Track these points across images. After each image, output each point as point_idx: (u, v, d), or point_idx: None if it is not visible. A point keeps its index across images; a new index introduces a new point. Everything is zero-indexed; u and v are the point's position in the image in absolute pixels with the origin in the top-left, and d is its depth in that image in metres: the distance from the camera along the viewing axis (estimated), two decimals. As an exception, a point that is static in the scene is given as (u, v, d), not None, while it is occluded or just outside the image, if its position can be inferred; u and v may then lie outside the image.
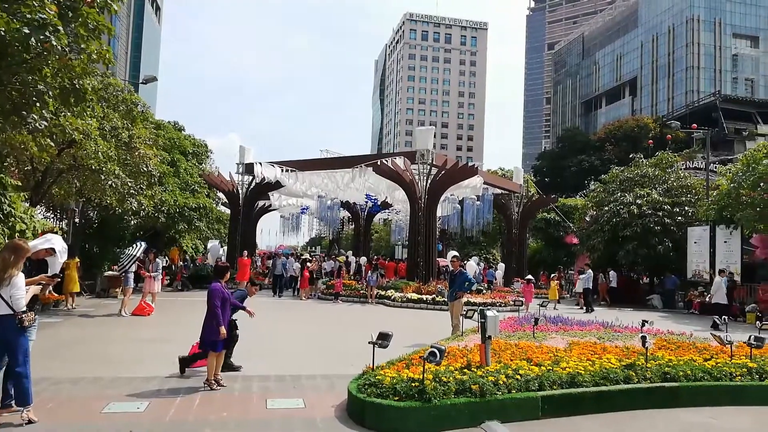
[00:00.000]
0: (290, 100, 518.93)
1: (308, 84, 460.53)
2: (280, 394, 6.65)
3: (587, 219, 27.52)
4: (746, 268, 21.33)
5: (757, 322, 14.20)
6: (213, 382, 6.77)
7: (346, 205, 31.25)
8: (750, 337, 8.00)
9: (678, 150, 41.72)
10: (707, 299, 20.20)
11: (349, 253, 33.74)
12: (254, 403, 6.29)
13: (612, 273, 21.88)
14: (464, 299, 11.92)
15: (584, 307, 19.94)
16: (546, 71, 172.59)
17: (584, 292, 20.62)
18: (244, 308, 7.46)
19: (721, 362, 7.45)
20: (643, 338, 7.27)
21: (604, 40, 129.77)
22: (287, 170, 25.29)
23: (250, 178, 26.25)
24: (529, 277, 20.60)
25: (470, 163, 26.14)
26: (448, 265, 10.83)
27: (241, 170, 26.72)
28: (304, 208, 32.31)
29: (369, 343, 6.46)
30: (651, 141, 55.78)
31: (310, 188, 26.29)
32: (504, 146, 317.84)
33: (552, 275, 22.65)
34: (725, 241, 21.73)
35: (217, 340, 6.72)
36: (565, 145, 76.01)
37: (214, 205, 27.82)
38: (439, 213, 25.74)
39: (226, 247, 28.54)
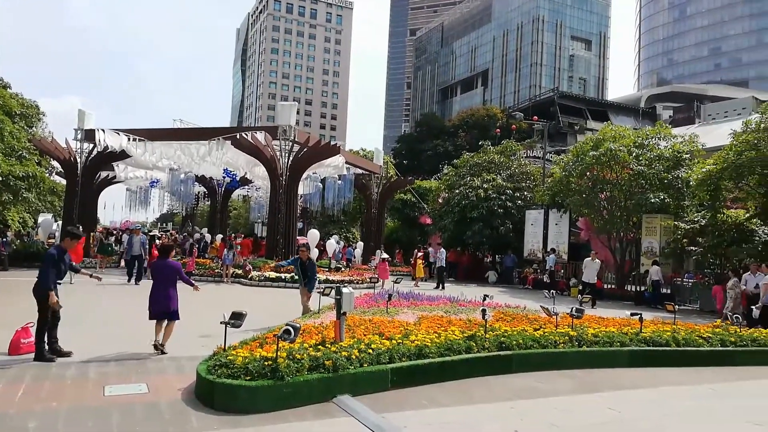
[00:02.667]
0: (141, 65, 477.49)
1: (163, 48, 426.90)
2: (121, 380, 6.19)
3: (440, 201, 29.09)
4: (572, 247, 24.10)
5: (579, 295, 16.10)
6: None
7: (201, 179, 29.73)
8: (572, 308, 9.08)
9: (521, 139, 45.49)
10: (544, 277, 22.51)
11: (204, 230, 32.27)
12: (90, 391, 5.78)
13: (442, 251, 22.93)
14: (320, 278, 11.97)
15: (438, 284, 20.96)
16: (408, 57, 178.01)
17: (438, 270, 21.76)
18: (191, 284, 8.11)
19: (548, 331, 8.34)
20: (483, 311, 7.90)
21: (462, 31, 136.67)
22: (135, 139, 23.25)
23: (91, 146, 23.76)
24: (385, 255, 21.27)
25: (333, 142, 26.17)
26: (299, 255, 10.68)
27: (80, 137, 23.92)
28: (153, 181, 30.09)
29: (221, 323, 6.25)
30: (498, 130, 60.17)
31: (162, 160, 24.50)
32: (366, 128, 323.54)
33: (419, 254, 23.60)
34: (556, 224, 24.32)
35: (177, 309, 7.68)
36: (422, 129, 79.27)
37: (47, 175, 24.85)
38: (300, 191, 25.53)
39: (61, 222, 25.70)
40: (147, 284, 8.95)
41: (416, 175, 43.52)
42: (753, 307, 12.53)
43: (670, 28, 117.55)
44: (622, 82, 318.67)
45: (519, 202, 26.21)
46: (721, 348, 8.91)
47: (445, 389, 6.46)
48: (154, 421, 4.97)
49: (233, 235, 28.37)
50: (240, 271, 19.06)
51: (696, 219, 18.68)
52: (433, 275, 23.44)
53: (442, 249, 22.63)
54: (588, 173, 20.83)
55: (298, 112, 26.30)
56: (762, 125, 16.25)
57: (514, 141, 32.09)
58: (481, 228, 25.30)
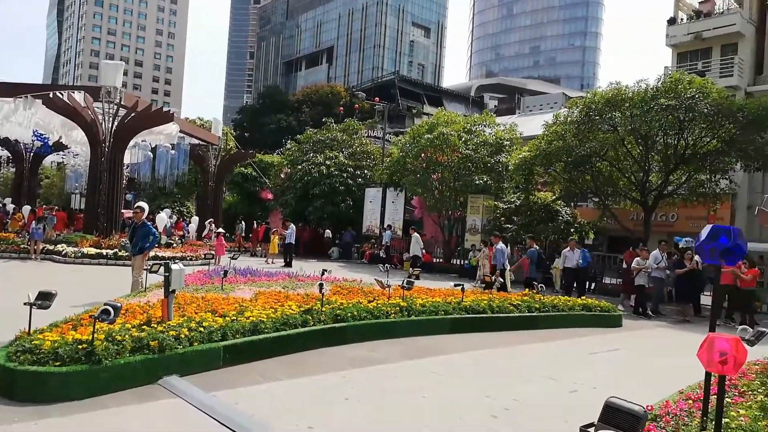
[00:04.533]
0: None
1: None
2: None
3: (282, 176, 28.73)
4: (407, 224, 25.44)
5: (410, 269, 17.08)
6: None
7: (4, 142, 25.79)
8: (403, 281, 9.61)
9: (363, 119, 46.45)
10: (380, 252, 23.43)
11: (8, 200, 28.19)
12: None
13: (291, 227, 22.89)
14: (151, 253, 11.21)
15: (285, 260, 20.63)
16: (251, 25, 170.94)
17: (286, 247, 21.43)
18: None
19: (381, 303, 8.74)
20: (320, 285, 8.02)
21: (307, 4, 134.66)
22: None
23: None
24: (221, 230, 20.49)
25: (166, 109, 24.30)
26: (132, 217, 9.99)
27: None
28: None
29: (25, 304, 5.54)
30: (342, 108, 60.87)
31: (-50, 117, 20.78)
32: (205, 96, 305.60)
33: (273, 230, 23.01)
34: (393, 202, 25.44)
35: None
36: (265, 102, 77.09)
37: None
38: (127, 160, 23.45)
39: None
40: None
41: (258, 149, 42.35)
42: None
43: (498, 24, 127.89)
44: (456, 70, 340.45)
45: (359, 180, 26.89)
46: (528, 314, 10.11)
47: (281, 363, 6.47)
48: (-65, 420, 4.27)
49: (45, 206, 25.19)
50: (53, 247, 17.02)
51: (512, 200, 20.81)
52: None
53: (291, 225, 22.30)
54: (423, 155, 22.05)
55: (125, 74, 23.89)
56: (568, 119, 18.50)
57: (357, 120, 32.73)
58: (323, 204, 25.56)
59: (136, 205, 10.37)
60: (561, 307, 10.74)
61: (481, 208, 21.73)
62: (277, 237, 22.51)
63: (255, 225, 25.63)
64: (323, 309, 7.75)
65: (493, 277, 13.33)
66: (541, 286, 11.48)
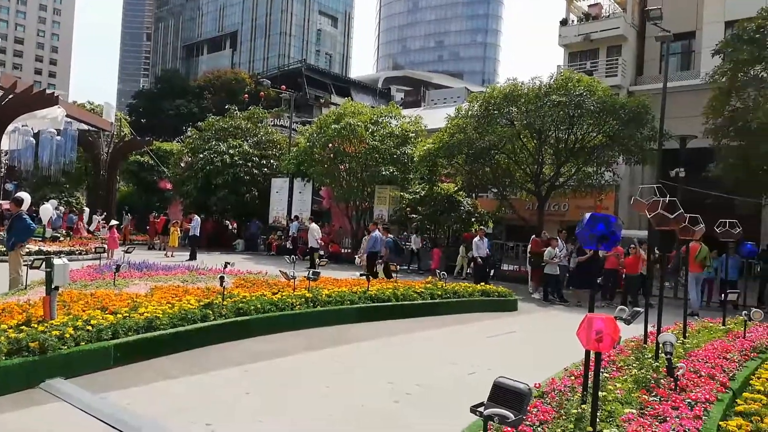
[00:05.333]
0: None
1: None
2: None
3: (182, 165, 27.47)
4: (315, 214, 25.28)
5: (318, 260, 16.99)
6: None
7: None
8: (309, 272, 9.55)
9: (269, 107, 45.40)
10: (287, 243, 23.09)
11: None
12: None
13: (196, 218, 22.02)
14: (31, 249, 10.32)
15: (190, 254, 19.73)
16: (148, 4, 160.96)
17: (191, 240, 20.49)
18: None
19: (285, 295, 8.63)
20: (221, 278, 7.78)
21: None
22: None
23: None
24: (114, 222, 19.28)
25: (51, 91, 22.35)
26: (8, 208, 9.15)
27: None
28: None
29: None
30: (246, 95, 59.01)
31: None
32: (97, 79, 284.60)
33: (174, 221, 21.81)
34: (300, 192, 25.17)
35: None
36: (164, 87, 73.09)
37: None
38: (5, 146, 21.43)
39: None
40: None
41: (156, 136, 40.19)
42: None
43: (404, 17, 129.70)
44: (364, 61, 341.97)
45: (265, 169, 26.32)
46: (430, 301, 10.43)
47: (179, 360, 6.22)
48: None
49: None
50: None
51: (417, 190, 21.31)
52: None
53: (196, 217, 21.31)
54: (330, 145, 21.97)
55: (3, 52, 21.66)
56: (469, 113, 19.17)
57: (262, 108, 31.93)
58: (227, 195, 24.75)
59: (13, 197, 9.51)
60: (462, 294, 11.17)
61: (388, 199, 22.04)
62: (177, 229, 21.54)
63: (153, 216, 24.34)
64: (225, 303, 7.53)
65: (376, 267, 13.91)
66: (443, 274, 11.86)
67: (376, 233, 14.90)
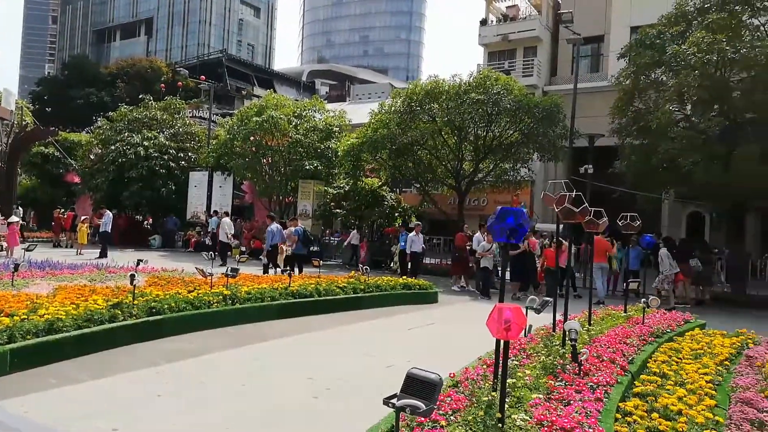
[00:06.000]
0: None
1: None
2: None
3: (92, 157, 25.91)
4: (237, 209, 24.66)
5: (239, 255, 16.57)
6: None
7: None
8: (228, 268, 9.29)
9: (187, 98, 43.62)
10: (206, 239, 22.30)
11: None
12: None
13: (108, 214, 20.82)
14: None
15: (101, 252, 18.58)
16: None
17: (102, 236, 19.25)
18: None
19: (202, 293, 8.35)
20: (132, 276, 7.41)
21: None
22: None
23: None
24: (14, 218, 17.88)
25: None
26: None
27: None
28: None
29: None
30: (164, 86, 56.43)
31: None
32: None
33: (83, 218, 20.39)
34: (220, 186, 24.44)
35: None
36: (72, 74, 68.38)
37: None
38: None
39: None
40: None
41: (62, 126, 37.60)
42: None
43: (329, 11, 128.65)
44: (288, 54, 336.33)
45: (183, 162, 25.34)
46: (353, 295, 10.45)
47: (84, 364, 5.87)
48: None
49: None
50: None
51: (342, 185, 21.27)
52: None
53: (108, 212, 20.03)
54: (252, 138, 21.47)
55: None
56: (392, 108, 19.33)
57: (180, 99, 30.67)
58: (141, 189, 23.59)
59: None
60: (384, 287, 11.28)
61: (312, 193, 21.85)
62: (86, 225, 20.28)
63: (59, 212, 22.79)
64: (135, 302, 7.18)
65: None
66: (366, 268, 11.92)
67: (273, 225, 14.86)
